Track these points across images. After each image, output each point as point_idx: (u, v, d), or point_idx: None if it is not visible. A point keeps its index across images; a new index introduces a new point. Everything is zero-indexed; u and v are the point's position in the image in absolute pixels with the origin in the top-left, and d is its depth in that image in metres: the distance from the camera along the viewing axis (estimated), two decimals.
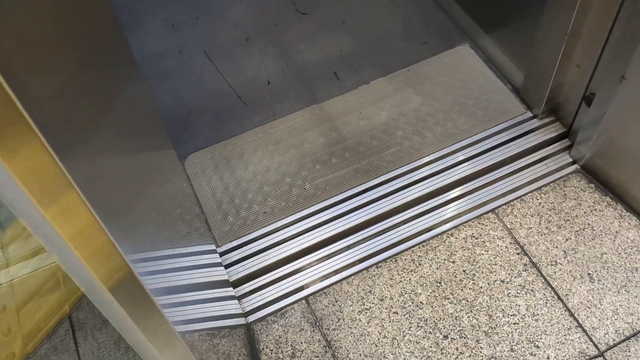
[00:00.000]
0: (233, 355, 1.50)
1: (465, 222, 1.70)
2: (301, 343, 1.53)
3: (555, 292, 1.55)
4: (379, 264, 1.64)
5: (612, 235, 1.63)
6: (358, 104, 1.97)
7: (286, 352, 1.53)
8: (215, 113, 2.01)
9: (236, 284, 1.64)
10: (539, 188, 1.75)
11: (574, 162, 1.79)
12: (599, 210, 1.69)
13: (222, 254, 1.68)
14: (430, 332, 1.52)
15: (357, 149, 1.86)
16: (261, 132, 1.94)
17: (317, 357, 1.51)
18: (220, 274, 1.48)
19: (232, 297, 1.55)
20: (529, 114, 1.88)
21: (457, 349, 1.49)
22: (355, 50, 2.13)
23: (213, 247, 1.66)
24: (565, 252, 1.62)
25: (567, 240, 1.64)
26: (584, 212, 1.68)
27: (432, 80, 2.00)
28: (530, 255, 1.62)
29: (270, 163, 1.86)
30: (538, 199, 1.72)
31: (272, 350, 1.53)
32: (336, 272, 1.64)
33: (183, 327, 1.29)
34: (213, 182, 1.83)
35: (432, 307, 1.56)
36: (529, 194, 1.73)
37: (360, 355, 1.50)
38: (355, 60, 2.10)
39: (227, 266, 1.66)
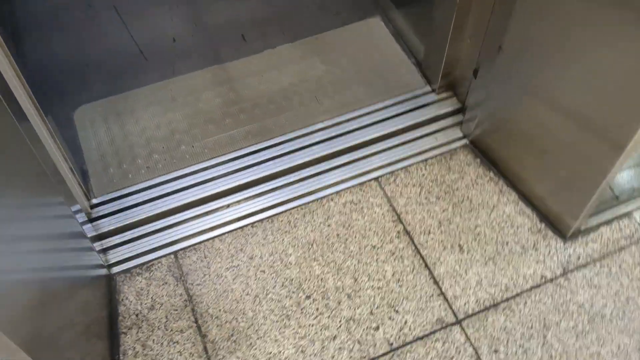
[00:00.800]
0: (91, 305, 1.46)
1: (347, 188, 1.68)
2: (162, 296, 1.51)
3: (423, 260, 1.55)
4: (255, 224, 1.62)
5: (489, 209, 1.64)
6: (261, 68, 1.94)
7: (145, 304, 1.50)
8: (114, 67, 1.97)
9: (104, 236, 1.60)
10: (425, 160, 1.74)
11: (464, 137, 1.79)
12: (480, 185, 1.69)
13: (94, 206, 1.65)
14: (293, 292, 1.50)
15: (252, 112, 1.83)
16: (157, 88, 1.90)
17: (176, 310, 1.48)
18: (75, 225, 1.43)
19: (90, 249, 1.51)
20: (428, 89, 1.88)
21: (317, 309, 1.48)
22: (267, 15, 2.10)
23: (62, 199, 1.61)
24: (440, 222, 1.61)
25: (443, 211, 1.64)
26: (465, 185, 1.68)
27: (339, 50, 1.99)
28: (405, 223, 1.61)
29: (161, 120, 1.82)
30: (422, 171, 1.72)
31: (131, 302, 1.50)
32: (211, 229, 1.62)
33: (36, 275, 1.25)
34: (99, 135, 1.79)
35: (300, 267, 1.54)
36: (414, 165, 1.73)
37: (219, 310, 1.48)
38: (265, 25, 2.07)
39: (97, 218, 1.62)
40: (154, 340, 1.44)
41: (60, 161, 1.48)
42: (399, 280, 1.52)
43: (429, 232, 1.60)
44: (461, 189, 1.68)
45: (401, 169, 1.72)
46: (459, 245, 1.57)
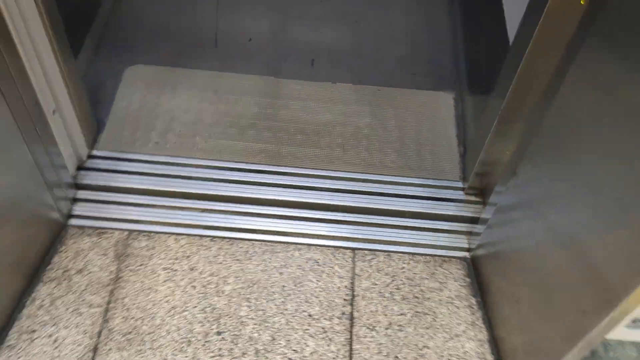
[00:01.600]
0: (32, 242, 1.50)
1: (320, 246, 1.58)
2: (95, 265, 1.51)
3: (350, 354, 1.41)
4: (215, 239, 1.57)
5: (449, 336, 1.45)
6: (310, 96, 1.89)
7: (77, 265, 1.50)
8: (184, 42, 2.02)
9: (81, 186, 1.64)
10: (413, 254, 1.59)
11: (467, 250, 1.61)
12: (455, 306, 1.50)
13: (91, 157, 1.69)
14: (208, 321, 1.43)
15: (277, 133, 1.79)
16: (208, 76, 1.92)
17: (99, 284, 1.47)
18: (54, 166, 1.47)
19: (64, 198, 1.55)
20: (459, 185, 1.71)
21: (219, 349, 1.39)
22: (345, 50, 2.04)
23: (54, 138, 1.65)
24: (390, 324, 1.46)
25: (401, 314, 1.48)
26: (439, 300, 1.51)
27: (394, 109, 1.88)
28: (355, 307, 1.48)
29: (193, 105, 1.83)
30: (404, 264, 1.57)
31: (67, 257, 1.52)
32: (173, 224, 1.60)
33: None
34: (135, 96, 1.84)
35: (229, 300, 1.47)
36: (399, 255, 1.58)
37: (134, 304, 1.45)
38: (338, 59, 2.01)
39: (85, 168, 1.66)
40: (63, 302, 1.44)
41: (68, 105, 1.53)
42: None
43: (373, 329, 1.45)
44: (432, 301, 1.50)
45: (384, 251, 1.58)
46: (395, 357, 1.41)
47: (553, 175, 1.13)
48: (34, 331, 1.39)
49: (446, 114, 1.88)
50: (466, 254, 1.60)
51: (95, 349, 1.38)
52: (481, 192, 1.68)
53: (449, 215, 1.66)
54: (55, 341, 1.38)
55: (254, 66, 1.96)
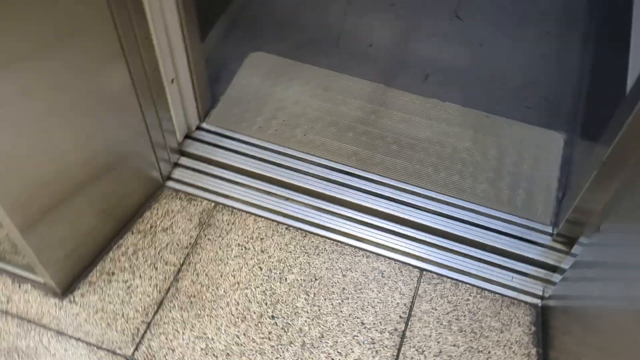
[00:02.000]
0: (131, 198, 1.64)
1: (389, 258, 1.58)
2: (179, 227, 1.62)
3: None
4: (290, 228, 1.63)
5: None
6: (416, 110, 1.89)
7: (163, 224, 1.63)
8: (309, 38, 2.09)
9: (185, 154, 1.76)
10: (482, 289, 1.54)
11: (540, 297, 1.53)
12: (513, 352, 1.44)
13: (199, 128, 1.81)
14: (266, 304, 1.49)
15: (374, 141, 1.81)
16: (322, 74, 1.98)
17: (177, 245, 1.59)
18: (164, 131, 1.61)
19: (166, 161, 1.68)
20: (548, 230, 1.63)
21: (269, 332, 1.45)
22: (464, 70, 2.01)
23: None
24: (441, 352, 1.43)
25: (454, 345, 1.45)
26: (497, 341, 1.46)
27: (499, 139, 1.82)
28: (409, 327, 1.47)
29: (303, 99, 1.90)
30: (469, 296, 1.53)
31: (157, 215, 1.65)
32: (257, 206, 1.67)
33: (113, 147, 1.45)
34: (252, 80, 1.95)
35: (289, 289, 1.52)
36: (467, 286, 1.54)
37: (204, 270, 1.54)
38: (453, 78, 1.99)
39: (192, 138, 1.79)
40: (144, 254, 1.57)
41: (187, 77, 1.65)
42: None
43: (422, 352, 1.43)
44: (490, 341, 1.46)
45: (453, 279, 1.55)
46: None
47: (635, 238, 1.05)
48: (113, 274, 1.53)
49: (553, 155, 1.79)
50: (538, 301, 1.53)
51: (160, 303, 1.49)
52: (570, 242, 1.59)
53: (530, 258, 1.59)
54: (128, 287, 1.51)
55: (368, 72, 1.99)
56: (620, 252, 1.14)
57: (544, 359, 1.44)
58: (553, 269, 1.56)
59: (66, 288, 1.50)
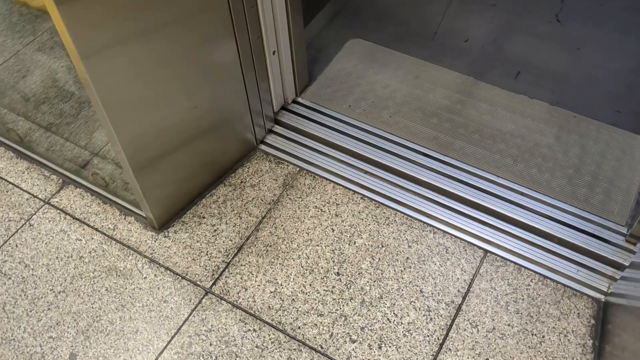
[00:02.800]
0: (227, 155, 1.83)
1: (456, 237, 1.65)
2: (265, 185, 1.79)
3: (444, 338, 1.47)
4: (365, 198, 1.74)
5: None
6: (502, 104, 1.94)
7: (252, 180, 1.80)
8: (408, 28, 2.20)
9: (280, 123, 1.93)
10: (545, 277, 1.57)
11: (604, 293, 1.53)
12: (568, 340, 1.46)
13: (295, 102, 1.98)
14: (333, 261, 1.62)
15: (457, 128, 1.88)
16: (416, 62, 2.07)
17: (262, 201, 1.75)
18: (262, 102, 1.79)
19: (261, 127, 1.86)
20: (622, 230, 1.63)
21: (333, 287, 1.57)
22: (557, 71, 2.03)
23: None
24: (494, 328, 1.48)
25: (508, 325, 1.49)
26: (553, 327, 1.48)
27: (582, 138, 1.83)
28: (466, 301, 1.53)
29: (392, 84, 2.01)
30: (530, 281, 1.56)
31: (247, 172, 1.82)
32: (336, 175, 1.80)
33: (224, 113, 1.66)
34: (348, 64, 2.08)
35: (356, 252, 1.63)
36: (530, 272, 1.58)
37: (282, 225, 1.69)
38: (546, 78, 2.01)
39: (287, 110, 1.95)
40: (232, 204, 1.75)
41: (287, 52, 1.81)
42: (409, 331, 1.49)
43: (475, 326, 1.49)
44: (545, 326, 1.48)
45: (516, 264, 1.59)
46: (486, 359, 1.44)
47: None
48: (203, 217, 1.72)
49: (638, 160, 1.77)
50: (601, 297, 1.53)
51: (240, 248, 1.65)
52: None
53: (598, 254, 1.59)
54: (215, 230, 1.69)
55: (459, 65, 2.06)
56: None
57: (598, 352, 1.44)
58: (621, 267, 1.55)
59: (163, 224, 1.71)
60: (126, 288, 1.59)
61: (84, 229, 1.72)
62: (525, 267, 1.59)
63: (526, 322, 1.49)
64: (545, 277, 1.57)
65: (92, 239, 1.70)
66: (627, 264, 1.55)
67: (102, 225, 1.72)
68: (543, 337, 1.47)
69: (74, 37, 1.21)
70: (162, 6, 1.34)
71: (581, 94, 1.96)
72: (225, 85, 1.65)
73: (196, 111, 1.60)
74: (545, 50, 2.10)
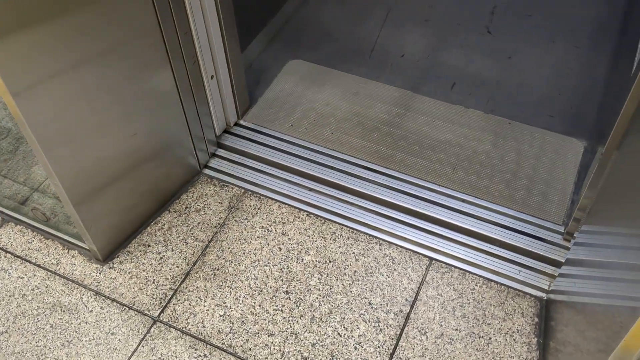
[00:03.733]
0: (170, 182, 1.82)
1: (401, 246, 1.68)
2: (210, 209, 1.78)
3: (395, 348, 1.49)
4: (311, 215, 1.76)
5: None
6: (439, 115, 1.99)
7: (197, 205, 1.80)
8: (345, 47, 2.25)
9: (222, 146, 1.93)
10: (489, 280, 1.61)
11: (546, 291, 1.58)
12: (514, 339, 1.49)
13: (237, 125, 1.99)
14: (282, 280, 1.62)
15: (397, 141, 1.92)
16: (355, 80, 2.12)
17: (207, 225, 1.75)
18: (204, 126, 1.80)
19: (204, 151, 1.86)
20: (560, 229, 1.68)
21: (283, 306, 1.57)
22: (490, 80, 2.10)
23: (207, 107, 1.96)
24: (442, 334, 1.51)
25: (456, 330, 1.51)
26: (499, 328, 1.51)
27: (517, 143, 1.90)
28: (414, 310, 1.55)
29: (332, 101, 2.05)
30: (475, 286, 1.59)
31: (192, 197, 1.82)
32: (281, 194, 1.81)
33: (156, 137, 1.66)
34: (288, 84, 2.11)
35: (304, 269, 1.64)
36: (474, 276, 1.61)
37: (229, 247, 1.69)
38: (479, 87, 2.08)
39: (230, 133, 1.96)
40: (177, 230, 1.74)
41: (226, 76, 1.83)
42: (360, 343, 1.50)
43: (424, 334, 1.51)
44: (492, 328, 1.51)
45: (460, 269, 1.63)
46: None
47: (613, 236, 1.11)
48: (149, 245, 1.70)
49: (571, 160, 1.84)
50: (543, 295, 1.57)
51: (187, 274, 1.64)
52: None
53: (538, 254, 1.64)
54: (161, 258, 1.68)
55: (397, 79, 2.12)
56: (597, 251, 1.20)
57: (543, 348, 1.48)
58: (559, 265, 1.61)
59: (107, 255, 1.68)
60: (72, 323, 1.56)
61: (25, 267, 1.68)
62: (470, 272, 1.62)
63: (473, 326, 1.52)
64: (489, 280, 1.61)
65: (35, 275, 1.66)
66: (563, 260, 1.60)
67: (45, 261, 1.68)
68: (490, 338, 1.50)
69: (3, 74, 1.20)
70: (90, 38, 1.34)
71: (514, 100, 2.03)
72: (163, 111, 1.65)
73: (135, 139, 1.59)
74: (478, 61, 2.17)
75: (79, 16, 1.29)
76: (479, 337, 1.50)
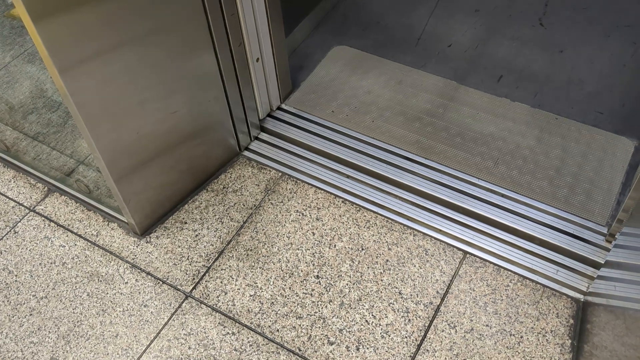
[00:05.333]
0: (210, 161, 1.85)
1: (434, 238, 1.65)
2: (247, 190, 1.80)
3: (422, 339, 1.47)
4: (346, 202, 1.75)
5: (527, 358, 1.42)
6: (484, 107, 1.95)
7: (235, 186, 1.81)
8: (392, 35, 2.22)
9: (264, 129, 1.95)
10: (524, 278, 1.57)
11: (583, 293, 1.53)
12: (546, 340, 1.46)
13: (279, 109, 1.99)
14: (313, 265, 1.62)
15: (438, 132, 1.89)
16: (399, 68, 2.09)
17: (243, 206, 1.76)
18: (247, 110, 1.81)
19: (245, 133, 1.88)
20: (603, 230, 1.62)
21: (312, 290, 1.57)
22: (539, 73, 2.04)
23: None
24: (472, 329, 1.48)
25: (486, 325, 1.49)
26: (532, 327, 1.48)
27: (564, 140, 1.83)
28: (444, 302, 1.53)
29: (375, 89, 2.03)
30: (509, 282, 1.56)
31: (230, 178, 1.84)
32: (318, 179, 1.81)
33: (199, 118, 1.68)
34: (332, 70, 2.10)
35: (336, 255, 1.64)
36: (508, 272, 1.58)
37: (263, 229, 1.70)
38: (528, 80, 2.02)
39: (273, 117, 1.97)
40: (214, 209, 1.76)
41: (270, 60, 1.83)
42: (387, 332, 1.49)
43: (454, 327, 1.49)
44: (524, 326, 1.48)
45: (495, 265, 1.59)
46: None
47: None
48: (185, 223, 1.73)
49: (619, 160, 1.77)
50: (581, 297, 1.52)
51: (221, 252, 1.66)
52: None
53: (580, 255, 1.59)
54: (196, 235, 1.70)
55: (443, 69, 2.08)
56: (638, 254, 1.15)
57: (577, 351, 1.44)
58: (600, 267, 1.55)
59: (145, 230, 1.72)
60: (107, 293, 1.60)
61: (67, 236, 1.73)
62: (505, 268, 1.59)
63: (504, 323, 1.49)
64: (525, 277, 1.57)
65: (76, 245, 1.71)
66: (601, 261, 1.54)
67: (86, 232, 1.74)
68: (521, 337, 1.46)
69: (51, 51, 1.24)
70: (136, 18, 1.37)
71: (563, 96, 1.97)
72: (205, 91, 1.66)
73: (176, 117, 1.62)
74: (528, 54, 2.11)
75: None
76: (510, 335, 1.47)
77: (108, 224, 1.75)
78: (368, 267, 1.61)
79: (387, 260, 1.62)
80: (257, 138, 1.94)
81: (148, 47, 1.43)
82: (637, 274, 1.26)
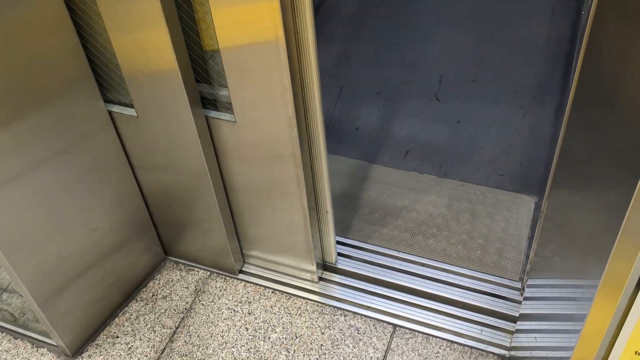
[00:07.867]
0: (136, 270, 1.86)
1: (364, 315, 1.71)
2: (176, 295, 1.81)
3: None
4: (276, 291, 1.79)
5: None
6: (396, 182, 2.07)
7: (164, 292, 1.83)
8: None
9: None
10: (452, 342, 1.63)
11: (508, 348, 1.61)
12: None
13: None
14: None
15: (353, 210, 1.98)
16: None
17: (174, 311, 1.77)
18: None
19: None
20: (518, 285, 1.73)
21: None
22: (442, 145, 2.20)
23: None
24: None
25: None
26: None
27: (471, 204, 1.97)
28: None
29: None
30: (440, 349, 1.62)
31: (159, 284, 1.85)
32: (247, 274, 1.85)
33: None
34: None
35: (271, 347, 1.66)
36: (438, 340, 1.64)
37: (195, 332, 1.71)
38: (432, 152, 2.17)
39: None
40: (144, 319, 1.76)
41: None
42: None
43: None
44: None
45: (424, 334, 1.66)
46: None
47: (549, 288, 1.17)
48: (117, 337, 1.72)
49: (523, 216, 1.92)
50: (505, 352, 1.60)
51: None
52: None
53: (500, 312, 1.68)
54: (129, 348, 1.69)
55: (353, 151, 2.21)
56: (541, 304, 1.25)
57: None
58: (517, 321, 1.64)
59: (76, 351, 1.69)
60: None
61: None
62: (433, 336, 1.65)
63: None
64: (452, 342, 1.64)
65: None
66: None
67: None
68: None
69: None
70: (47, 139, 1.41)
71: (466, 163, 2.13)
72: (124, 204, 1.70)
73: (97, 233, 1.64)
74: (429, 128, 2.28)
75: (35, 117, 1.37)
76: None
77: (37, 350, 1.71)
78: (304, 355, 1.63)
79: (322, 345, 1.65)
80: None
81: (60, 167, 1.47)
82: (552, 322, 1.35)
